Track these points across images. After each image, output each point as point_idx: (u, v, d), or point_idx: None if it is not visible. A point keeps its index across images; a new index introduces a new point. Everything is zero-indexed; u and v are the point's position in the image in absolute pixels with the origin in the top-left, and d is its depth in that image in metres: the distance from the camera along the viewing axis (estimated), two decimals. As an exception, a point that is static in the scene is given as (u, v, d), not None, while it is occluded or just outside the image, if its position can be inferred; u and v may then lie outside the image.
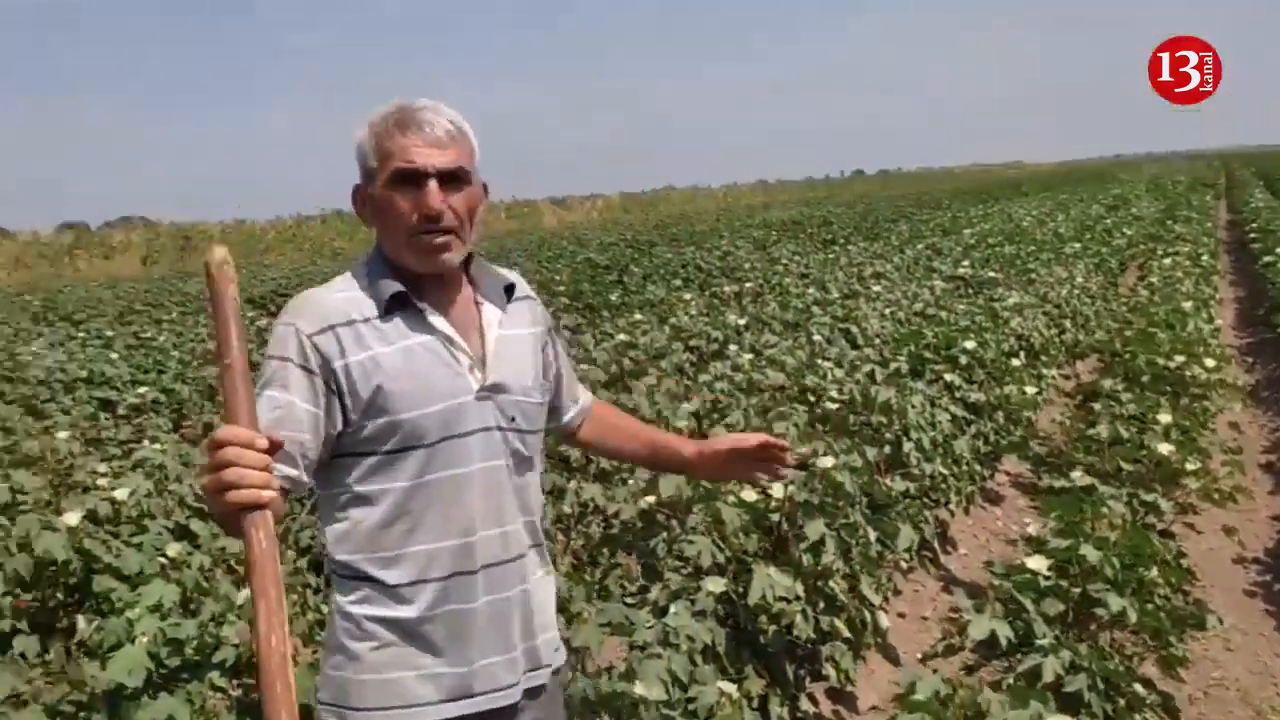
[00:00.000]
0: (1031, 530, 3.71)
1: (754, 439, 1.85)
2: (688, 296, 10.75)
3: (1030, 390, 5.70)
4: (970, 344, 5.90)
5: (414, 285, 1.60)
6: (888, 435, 4.55)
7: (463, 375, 1.59)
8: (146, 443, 5.43)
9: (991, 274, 10.39)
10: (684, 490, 3.20)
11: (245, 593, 2.85)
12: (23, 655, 3.08)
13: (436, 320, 1.59)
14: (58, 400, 7.43)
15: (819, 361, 6.05)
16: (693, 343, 7.91)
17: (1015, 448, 5.50)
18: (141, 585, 3.14)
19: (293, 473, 1.50)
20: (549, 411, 1.82)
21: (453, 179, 1.56)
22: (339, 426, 1.54)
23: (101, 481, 4.23)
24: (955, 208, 28.52)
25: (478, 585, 1.60)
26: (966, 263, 11.54)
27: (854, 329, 7.42)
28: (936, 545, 4.69)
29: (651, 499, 3.44)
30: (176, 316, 12.95)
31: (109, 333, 11.03)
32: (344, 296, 1.58)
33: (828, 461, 3.42)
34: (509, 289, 1.72)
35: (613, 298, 11.73)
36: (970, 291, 9.74)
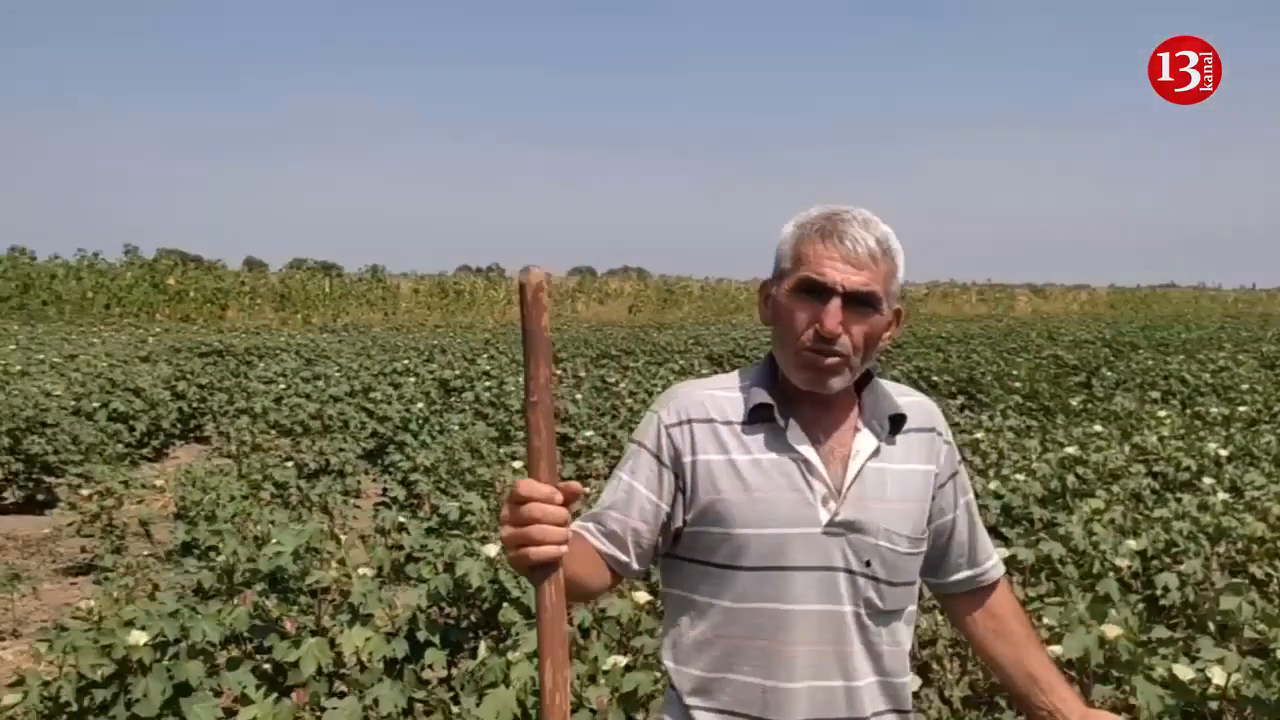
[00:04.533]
0: None
1: None
2: (1163, 413, 9.49)
3: None
4: None
5: (790, 397, 1.50)
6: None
7: (813, 506, 1.44)
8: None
9: None
10: (1094, 654, 2.76)
11: (614, 659, 2.93)
12: (430, 666, 3.44)
13: (797, 440, 1.47)
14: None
15: (1317, 516, 4.99)
16: (1158, 468, 6.95)
17: None
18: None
19: (622, 558, 1.49)
20: (927, 565, 1.60)
21: (861, 302, 1.43)
22: (679, 522, 1.50)
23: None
24: None
25: None
26: None
27: (1374, 482, 6.06)
28: None
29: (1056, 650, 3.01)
30: (642, 365, 14.01)
31: (581, 374, 12.25)
32: (716, 394, 1.53)
33: (1294, 656, 2.77)
34: (896, 419, 1.52)
35: (1074, 402, 10.71)
36: None
